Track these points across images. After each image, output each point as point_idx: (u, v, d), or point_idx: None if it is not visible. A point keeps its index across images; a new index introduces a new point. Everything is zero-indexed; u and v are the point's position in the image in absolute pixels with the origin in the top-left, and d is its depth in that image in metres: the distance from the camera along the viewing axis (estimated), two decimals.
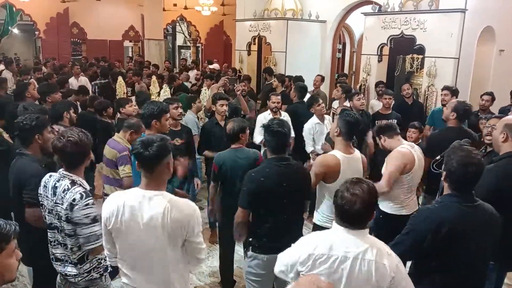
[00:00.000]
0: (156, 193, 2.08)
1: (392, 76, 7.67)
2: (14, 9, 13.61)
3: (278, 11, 9.23)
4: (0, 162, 3.66)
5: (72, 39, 15.06)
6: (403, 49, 7.32)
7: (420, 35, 6.75)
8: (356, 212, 1.85)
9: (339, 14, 9.23)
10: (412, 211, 3.53)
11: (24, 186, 2.71)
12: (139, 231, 2.07)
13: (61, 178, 2.43)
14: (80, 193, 2.34)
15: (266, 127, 2.80)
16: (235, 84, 5.75)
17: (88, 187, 2.47)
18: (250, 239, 2.87)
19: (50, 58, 12.25)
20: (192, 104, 5.70)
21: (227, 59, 15.06)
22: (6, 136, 4.08)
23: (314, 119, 5.18)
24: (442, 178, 2.33)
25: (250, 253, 2.86)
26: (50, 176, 2.49)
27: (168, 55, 18.91)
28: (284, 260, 2.01)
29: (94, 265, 2.52)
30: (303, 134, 5.30)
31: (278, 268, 2.06)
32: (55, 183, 2.42)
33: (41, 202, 2.51)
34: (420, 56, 7.00)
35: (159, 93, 7.45)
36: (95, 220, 2.38)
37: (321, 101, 5.27)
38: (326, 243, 1.89)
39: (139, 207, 2.06)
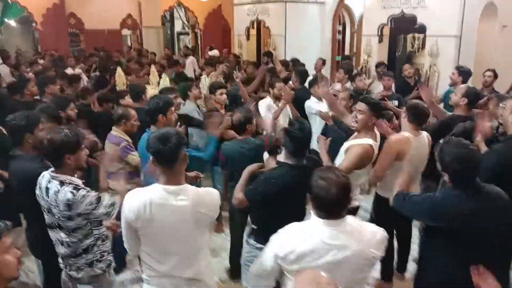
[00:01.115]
0: (181, 187, 2.10)
1: (394, 56, 7.58)
2: (9, 1, 13.47)
3: None
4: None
5: (69, 30, 14.91)
6: (404, 28, 7.21)
7: (421, 14, 6.63)
8: (333, 198, 1.84)
9: None
10: None
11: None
12: (168, 226, 2.09)
13: (51, 180, 2.40)
14: (71, 191, 2.32)
15: (287, 131, 2.67)
16: (234, 71, 5.66)
17: (78, 182, 2.44)
18: (254, 226, 2.84)
19: (47, 51, 12.12)
20: (188, 92, 5.62)
21: (226, 44, 14.89)
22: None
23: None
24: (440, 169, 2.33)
25: (252, 241, 2.84)
26: (43, 176, 2.46)
27: (167, 42, 18.75)
28: (264, 262, 2.01)
29: (96, 257, 2.53)
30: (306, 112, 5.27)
31: (255, 271, 2.09)
32: (47, 185, 2.40)
33: (40, 203, 2.50)
34: (421, 35, 6.89)
35: (158, 83, 7.41)
36: (99, 199, 2.40)
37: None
38: (306, 237, 1.88)
39: (166, 202, 2.07)
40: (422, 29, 6.75)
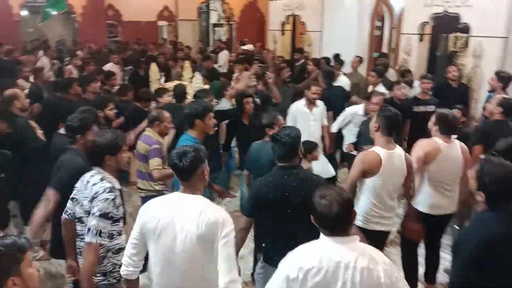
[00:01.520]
0: (194, 196, 2.21)
1: (434, 56, 7.26)
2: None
3: None
4: (39, 158, 3.79)
5: (107, 21, 15.18)
6: (446, 27, 6.88)
7: (465, 13, 6.30)
8: (336, 215, 1.85)
9: None
10: (445, 212, 3.40)
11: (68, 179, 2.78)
12: (175, 233, 2.13)
13: (94, 174, 2.55)
14: (104, 188, 2.44)
15: (273, 137, 2.74)
16: (267, 72, 5.58)
17: (117, 186, 2.55)
18: (264, 245, 2.80)
19: (85, 44, 12.36)
20: (224, 91, 5.60)
21: (261, 38, 14.78)
22: (39, 132, 4.16)
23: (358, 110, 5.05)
24: (476, 189, 2.22)
25: (261, 262, 2.83)
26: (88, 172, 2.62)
27: (202, 34, 18.82)
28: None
29: (108, 269, 2.57)
30: (340, 119, 5.18)
31: None
32: (89, 178, 2.54)
33: (74, 196, 2.60)
34: (465, 35, 6.56)
35: (191, 79, 7.42)
36: (106, 216, 2.41)
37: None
38: (314, 255, 1.85)
39: (176, 210, 2.16)
40: (466, 29, 6.43)
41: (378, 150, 3.04)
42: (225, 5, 16.59)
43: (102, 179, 2.49)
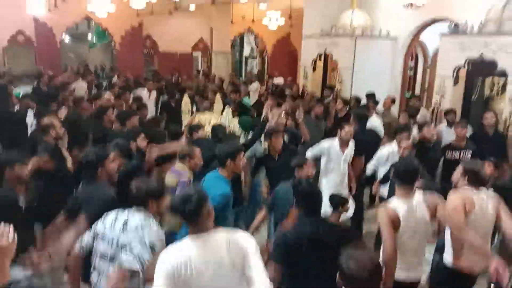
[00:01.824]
0: (211, 235, 2.24)
1: (469, 100, 7.10)
2: (100, 28, 14.56)
3: (347, 28, 8.92)
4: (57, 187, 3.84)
5: (144, 51, 15.75)
6: (482, 71, 6.74)
7: (502, 58, 6.16)
8: (365, 280, 1.84)
9: (412, 31, 8.75)
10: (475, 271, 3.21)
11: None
12: (210, 274, 2.16)
13: (135, 213, 2.62)
14: (154, 226, 2.56)
15: (295, 187, 2.77)
16: (297, 111, 5.57)
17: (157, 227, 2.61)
18: None
19: (122, 73, 12.77)
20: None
21: (293, 71, 14.95)
22: (69, 161, 4.26)
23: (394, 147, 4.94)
24: None
25: None
26: (122, 211, 2.66)
27: (235, 65, 19.22)
28: None
29: None
30: (374, 161, 5.09)
31: None
32: (128, 217, 2.59)
33: (100, 233, 2.61)
34: (502, 79, 6.41)
35: (222, 111, 7.51)
36: (153, 249, 2.46)
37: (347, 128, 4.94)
38: None
39: (201, 250, 2.18)
40: (503, 73, 6.28)
41: (397, 204, 2.94)
42: (258, 38, 16.94)
43: (146, 218, 2.58)
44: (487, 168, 4.36)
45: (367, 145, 5.33)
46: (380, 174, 5.13)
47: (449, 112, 6.36)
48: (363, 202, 5.87)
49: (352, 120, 5.69)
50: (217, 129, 5.22)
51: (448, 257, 3.26)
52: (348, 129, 4.83)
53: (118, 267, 2.45)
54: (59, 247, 2.86)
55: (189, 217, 2.24)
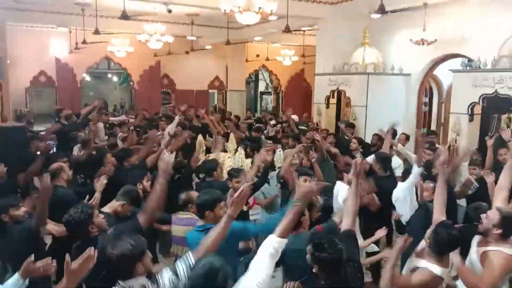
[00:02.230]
0: None
1: (486, 136, 6.98)
2: (126, 72, 15.13)
3: (359, 65, 9.01)
4: None
5: (162, 89, 16.12)
6: (497, 108, 6.67)
7: None
8: None
9: (425, 68, 8.78)
10: None
11: None
12: None
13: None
14: None
15: (314, 253, 2.45)
16: (310, 152, 5.53)
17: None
18: None
19: (140, 111, 13.05)
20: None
21: (307, 106, 15.05)
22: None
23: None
24: None
25: None
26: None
27: (251, 101, 19.47)
28: None
29: None
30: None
31: None
32: None
33: None
34: None
35: (236, 150, 7.53)
36: None
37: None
38: None
39: None
40: None
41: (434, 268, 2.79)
42: (273, 75, 17.20)
43: None
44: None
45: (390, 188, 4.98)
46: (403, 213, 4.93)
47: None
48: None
49: (375, 163, 5.30)
50: (207, 164, 5.18)
51: None
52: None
53: None
54: None
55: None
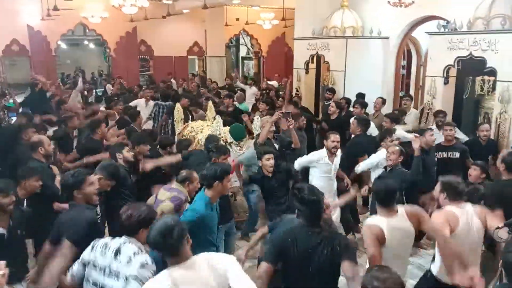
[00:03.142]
0: (191, 261, 2.23)
1: (460, 99, 7.09)
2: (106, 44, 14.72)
3: (338, 29, 8.92)
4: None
5: (140, 56, 15.77)
6: (472, 70, 6.73)
7: (491, 57, 6.14)
8: None
9: (403, 30, 8.73)
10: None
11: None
12: None
13: (127, 242, 2.55)
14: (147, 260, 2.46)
15: (296, 195, 2.69)
16: (288, 118, 5.58)
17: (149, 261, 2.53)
18: None
19: (117, 78, 12.85)
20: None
21: (289, 70, 14.95)
22: (58, 180, 4.27)
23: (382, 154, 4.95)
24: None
25: None
26: (112, 239, 2.60)
27: (232, 66, 19.23)
28: None
29: None
30: (367, 161, 5.16)
31: None
32: (120, 246, 2.53)
33: (89, 259, 2.58)
34: (492, 79, 6.40)
35: (214, 118, 7.51)
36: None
37: (395, 136, 5.02)
38: None
39: (189, 279, 2.17)
40: (492, 72, 6.27)
41: (380, 221, 2.93)
42: (254, 40, 16.93)
43: (140, 250, 2.51)
44: (473, 172, 4.37)
45: (365, 148, 5.56)
46: (372, 177, 5.16)
47: (438, 113, 6.39)
48: (356, 205, 5.89)
49: (357, 125, 5.87)
50: (209, 140, 5.20)
51: (434, 268, 3.27)
52: (333, 137, 4.82)
53: None
54: (50, 276, 2.82)
55: (170, 251, 2.20)
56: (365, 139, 5.92)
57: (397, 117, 6.39)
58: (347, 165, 5.44)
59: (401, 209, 3.04)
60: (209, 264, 2.23)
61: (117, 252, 2.50)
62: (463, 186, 3.21)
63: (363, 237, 2.97)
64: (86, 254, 2.62)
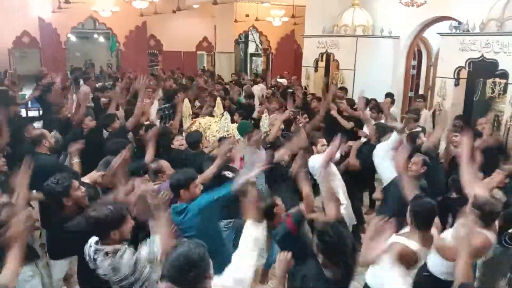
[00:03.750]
0: None
1: (471, 101, 7.02)
2: (115, 38, 14.67)
3: (348, 28, 8.88)
4: None
5: (149, 51, 15.79)
6: (483, 72, 6.66)
7: (503, 59, 6.08)
8: None
9: (414, 30, 8.66)
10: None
11: None
12: None
13: (96, 251, 2.45)
14: (109, 262, 2.40)
15: (319, 237, 2.44)
16: (298, 117, 5.54)
17: (120, 247, 2.48)
18: None
19: (125, 73, 12.85)
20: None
21: (298, 68, 14.88)
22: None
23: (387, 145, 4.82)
24: None
25: None
26: (90, 246, 2.52)
27: (240, 63, 19.18)
28: None
29: None
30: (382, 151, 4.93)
31: None
32: (94, 256, 2.46)
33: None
34: (503, 81, 6.33)
35: (222, 115, 7.50)
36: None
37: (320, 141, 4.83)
38: None
39: None
40: (504, 75, 6.20)
41: (414, 246, 2.76)
42: (263, 37, 16.87)
43: (106, 254, 2.42)
44: (497, 176, 4.24)
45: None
46: (383, 174, 4.97)
47: (457, 117, 6.22)
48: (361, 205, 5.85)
49: (372, 130, 5.60)
50: (190, 137, 4.96)
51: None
52: (322, 142, 4.68)
53: None
54: None
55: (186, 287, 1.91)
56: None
57: (418, 118, 6.22)
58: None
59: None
60: None
61: (95, 261, 2.45)
62: (499, 206, 2.98)
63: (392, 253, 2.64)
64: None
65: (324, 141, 4.74)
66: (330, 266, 2.39)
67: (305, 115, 6.41)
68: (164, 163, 3.83)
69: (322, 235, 2.42)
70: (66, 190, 2.88)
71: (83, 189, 3.03)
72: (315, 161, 4.43)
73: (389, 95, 7.85)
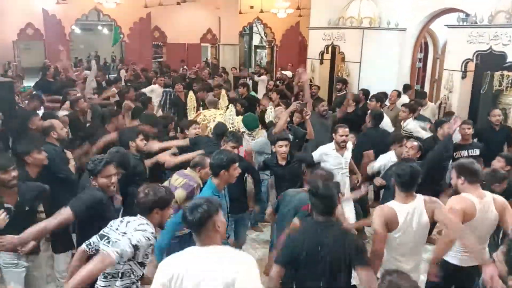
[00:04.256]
0: (215, 250, 2.21)
1: (478, 94, 6.95)
2: (119, 30, 14.61)
3: (354, 20, 8.79)
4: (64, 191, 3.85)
5: (153, 43, 15.71)
6: (491, 65, 6.59)
7: (511, 52, 6.03)
8: None
9: (421, 22, 8.57)
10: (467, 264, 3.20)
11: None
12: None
13: (138, 219, 2.67)
14: (148, 230, 2.58)
15: (312, 192, 2.67)
16: (305, 108, 5.49)
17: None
18: None
19: (130, 65, 12.83)
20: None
21: (302, 60, 14.81)
22: (72, 164, 4.29)
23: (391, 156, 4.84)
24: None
25: None
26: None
27: (244, 55, 19.13)
28: None
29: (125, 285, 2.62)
30: (377, 164, 5.01)
31: None
32: (130, 220, 2.68)
33: (106, 234, 2.63)
34: (511, 74, 6.27)
35: (227, 107, 7.47)
36: (136, 248, 2.53)
37: (405, 141, 4.82)
38: None
39: (201, 268, 2.14)
40: None
41: (397, 206, 2.92)
42: (267, 29, 16.77)
43: (148, 224, 2.61)
44: (497, 163, 4.23)
45: (378, 143, 5.36)
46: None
47: (449, 114, 6.26)
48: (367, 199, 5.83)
49: (368, 117, 5.78)
50: (218, 127, 5.15)
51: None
52: (342, 131, 4.67)
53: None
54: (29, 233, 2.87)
55: (193, 227, 2.23)
56: (374, 133, 5.71)
57: (414, 107, 6.25)
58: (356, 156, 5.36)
59: (420, 197, 2.98)
60: (228, 262, 2.16)
61: (127, 223, 2.63)
62: (478, 165, 3.15)
63: (373, 218, 2.95)
64: (104, 229, 2.68)
65: (345, 131, 4.71)
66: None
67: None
68: (208, 160, 3.74)
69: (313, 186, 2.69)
70: (99, 170, 3.09)
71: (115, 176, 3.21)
72: (325, 149, 4.76)
73: (407, 87, 8.04)
